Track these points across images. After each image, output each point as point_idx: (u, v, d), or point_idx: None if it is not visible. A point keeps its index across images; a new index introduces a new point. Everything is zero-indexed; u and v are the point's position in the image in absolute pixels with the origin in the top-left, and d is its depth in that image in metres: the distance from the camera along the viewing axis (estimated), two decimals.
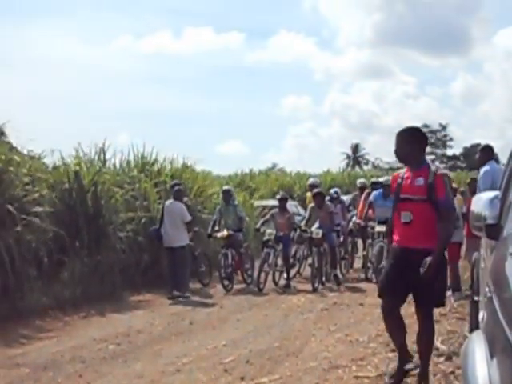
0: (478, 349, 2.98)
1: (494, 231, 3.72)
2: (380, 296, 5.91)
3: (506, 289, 2.71)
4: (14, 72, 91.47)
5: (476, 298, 5.39)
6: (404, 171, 5.86)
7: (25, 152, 12.95)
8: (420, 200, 5.54)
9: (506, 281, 2.78)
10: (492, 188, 7.51)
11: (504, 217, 3.73)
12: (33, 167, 12.72)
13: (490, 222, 3.73)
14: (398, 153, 5.79)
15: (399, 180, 5.80)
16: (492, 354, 2.74)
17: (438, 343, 7.71)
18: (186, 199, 13.97)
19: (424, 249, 5.50)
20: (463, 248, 11.44)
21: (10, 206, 10.63)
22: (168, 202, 13.04)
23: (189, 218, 12.80)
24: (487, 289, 3.30)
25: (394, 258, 5.88)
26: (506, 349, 2.38)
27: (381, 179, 14.76)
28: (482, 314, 3.50)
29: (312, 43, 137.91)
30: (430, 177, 5.53)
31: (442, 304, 5.92)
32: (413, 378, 6.27)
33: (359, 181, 16.89)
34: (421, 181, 5.58)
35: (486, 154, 9.62)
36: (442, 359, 7.05)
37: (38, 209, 11.58)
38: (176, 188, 13.32)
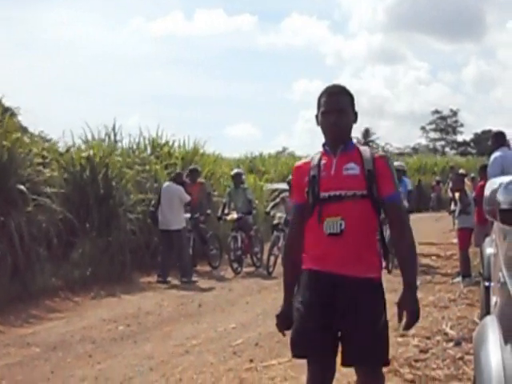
0: (491, 334, 2.97)
1: (508, 216, 3.69)
2: (296, 356, 3.87)
3: None
4: (27, 55, 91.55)
5: (487, 284, 5.33)
6: (317, 158, 3.81)
7: (36, 134, 12.99)
8: (357, 197, 3.59)
9: None
10: (502, 174, 7.48)
11: None
12: (45, 149, 12.75)
13: (504, 207, 3.69)
14: (339, 123, 3.69)
15: (313, 171, 3.73)
16: (506, 339, 2.73)
17: (447, 328, 7.74)
18: (204, 180, 14.50)
19: (364, 278, 3.61)
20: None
21: (21, 186, 10.64)
22: (165, 185, 13.00)
23: (188, 198, 12.73)
24: (500, 274, 3.28)
25: (312, 295, 3.67)
26: None
27: (394, 163, 14.65)
28: (494, 300, 3.48)
29: (324, 27, 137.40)
30: (366, 162, 3.66)
31: (387, 362, 3.75)
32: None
33: None
34: (354, 168, 3.66)
35: (498, 140, 9.60)
36: (450, 344, 7.07)
37: (49, 189, 11.60)
38: (177, 171, 13.62)
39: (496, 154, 9.18)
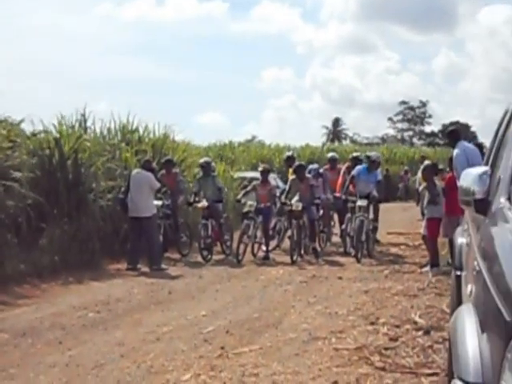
0: (467, 322, 3.00)
1: (482, 206, 3.75)
2: None
3: (496, 263, 2.73)
4: None
5: (458, 273, 5.37)
6: None
7: (3, 118, 12.82)
8: None
9: (496, 255, 2.80)
10: (469, 166, 7.63)
11: (492, 192, 3.75)
12: (12, 133, 12.59)
13: (478, 196, 3.75)
14: None
15: None
16: (483, 327, 2.77)
17: (416, 317, 7.82)
18: (177, 170, 14.78)
19: None
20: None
21: None
22: (135, 171, 12.99)
23: (158, 185, 12.79)
24: (475, 263, 3.32)
25: None
26: (498, 321, 2.39)
27: (371, 153, 14.65)
28: (469, 288, 3.52)
29: (296, 15, 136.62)
30: None
31: None
32: None
33: (330, 154, 16.93)
34: None
35: (454, 137, 10.57)
36: (420, 333, 7.14)
37: (18, 174, 11.47)
38: (145, 158, 13.69)
39: (456, 150, 9.92)
